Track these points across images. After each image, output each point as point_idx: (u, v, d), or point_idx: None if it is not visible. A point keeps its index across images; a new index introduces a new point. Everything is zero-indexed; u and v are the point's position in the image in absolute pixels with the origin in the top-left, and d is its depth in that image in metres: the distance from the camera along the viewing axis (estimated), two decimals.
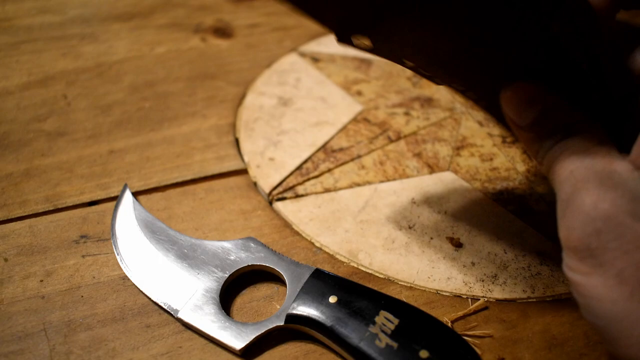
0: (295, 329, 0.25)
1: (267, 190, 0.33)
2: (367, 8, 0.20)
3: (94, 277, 0.28)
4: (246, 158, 0.35)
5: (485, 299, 0.27)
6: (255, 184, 0.33)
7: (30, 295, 0.27)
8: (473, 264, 0.29)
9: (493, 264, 0.29)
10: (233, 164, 0.35)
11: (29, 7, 0.49)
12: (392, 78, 0.42)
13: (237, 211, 0.32)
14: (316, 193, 0.33)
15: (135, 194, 0.32)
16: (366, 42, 0.23)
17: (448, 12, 0.20)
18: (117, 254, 0.29)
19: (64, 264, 0.28)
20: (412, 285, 0.28)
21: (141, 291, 0.27)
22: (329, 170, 0.34)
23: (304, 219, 0.31)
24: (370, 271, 0.28)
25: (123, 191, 0.32)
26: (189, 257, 0.28)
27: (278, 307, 0.27)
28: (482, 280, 0.28)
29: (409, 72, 0.42)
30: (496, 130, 0.37)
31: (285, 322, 0.25)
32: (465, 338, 0.25)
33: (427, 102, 0.40)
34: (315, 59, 0.44)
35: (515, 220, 0.31)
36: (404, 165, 0.35)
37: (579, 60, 0.21)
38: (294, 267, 0.27)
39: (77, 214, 0.31)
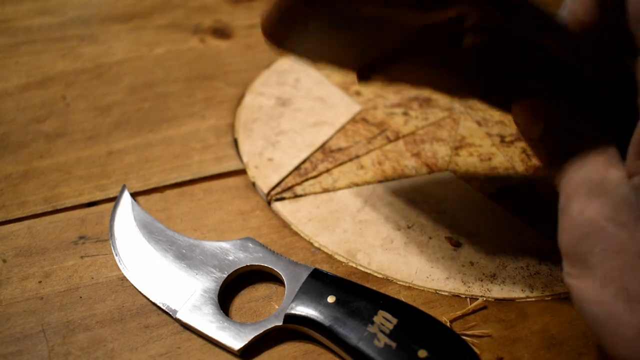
0: (293, 329, 0.25)
1: (266, 191, 0.33)
2: (381, 58, 0.25)
3: (92, 278, 0.28)
4: (245, 158, 0.35)
5: (484, 299, 0.27)
6: (253, 184, 0.33)
7: (29, 297, 0.27)
8: (472, 263, 0.29)
9: (492, 264, 0.29)
10: (232, 165, 0.35)
11: (28, 8, 0.50)
12: None
13: (236, 211, 0.32)
14: (315, 193, 0.33)
15: (134, 195, 0.32)
16: (382, 78, 0.28)
17: (450, 58, 0.24)
18: (116, 255, 0.29)
19: (63, 265, 0.28)
20: (410, 285, 0.28)
21: (140, 292, 0.27)
22: (328, 170, 0.34)
23: (302, 219, 0.31)
24: (368, 271, 0.28)
25: (121, 192, 0.32)
26: (188, 257, 0.28)
27: (276, 307, 0.27)
28: (481, 280, 0.28)
29: None
30: (495, 129, 0.37)
31: (284, 322, 0.25)
32: (464, 337, 0.25)
33: (426, 102, 0.40)
34: None
35: (514, 219, 0.31)
36: (402, 165, 0.35)
37: (576, 69, 0.22)
38: (292, 267, 0.27)
39: (76, 215, 0.31)
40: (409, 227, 0.31)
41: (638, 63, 0.20)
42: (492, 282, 0.28)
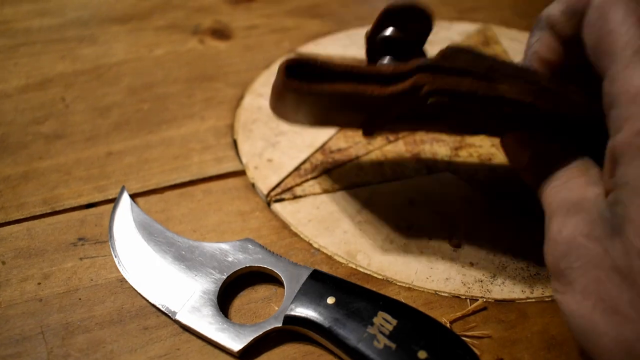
0: (293, 330, 0.25)
1: (265, 192, 0.33)
2: (382, 120, 0.28)
3: (91, 280, 0.28)
4: (244, 159, 0.35)
5: (484, 300, 0.27)
6: (253, 185, 0.33)
7: (28, 298, 0.27)
8: (472, 264, 0.29)
9: (492, 264, 0.29)
10: (231, 166, 0.35)
11: (27, 9, 0.50)
12: None
13: (235, 212, 0.32)
14: (314, 194, 0.33)
15: (133, 196, 0.32)
16: (385, 130, 0.34)
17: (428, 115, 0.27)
18: (115, 256, 0.29)
19: (62, 266, 0.28)
20: (410, 286, 0.28)
21: (139, 293, 0.27)
22: (327, 171, 0.34)
23: (302, 220, 0.31)
24: (368, 272, 0.28)
25: (121, 193, 0.32)
26: (187, 259, 0.28)
27: (276, 308, 0.27)
28: (481, 281, 0.28)
29: None
30: None
31: (284, 323, 0.25)
32: (464, 338, 0.25)
33: None
34: None
35: (514, 220, 0.31)
36: (402, 166, 0.34)
37: (531, 106, 0.24)
38: (292, 268, 0.27)
39: (75, 216, 0.31)
40: (408, 228, 0.31)
41: (602, 89, 0.22)
42: (492, 283, 0.28)
